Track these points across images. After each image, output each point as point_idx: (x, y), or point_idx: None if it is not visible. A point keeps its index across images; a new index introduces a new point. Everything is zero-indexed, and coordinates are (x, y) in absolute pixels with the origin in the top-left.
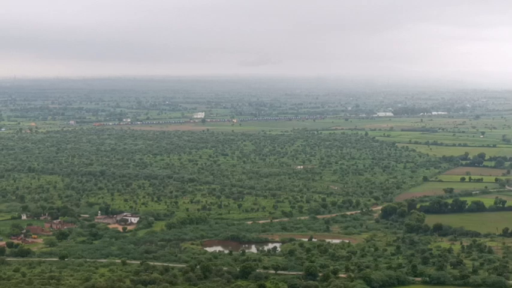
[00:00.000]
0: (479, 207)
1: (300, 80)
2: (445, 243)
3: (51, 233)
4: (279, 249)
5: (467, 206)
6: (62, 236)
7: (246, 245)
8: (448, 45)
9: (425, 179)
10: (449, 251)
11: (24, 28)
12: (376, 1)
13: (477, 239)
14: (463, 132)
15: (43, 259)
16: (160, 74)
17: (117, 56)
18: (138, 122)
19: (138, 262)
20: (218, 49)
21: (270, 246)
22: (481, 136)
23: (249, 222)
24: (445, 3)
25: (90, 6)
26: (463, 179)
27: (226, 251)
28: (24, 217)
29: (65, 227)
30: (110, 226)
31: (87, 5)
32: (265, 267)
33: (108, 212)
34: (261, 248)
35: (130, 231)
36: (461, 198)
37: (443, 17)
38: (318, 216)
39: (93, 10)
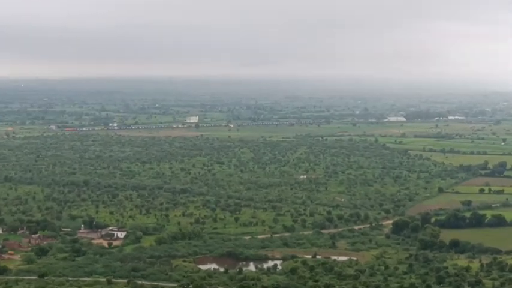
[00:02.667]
0: (500, 222)
1: (302, 82)
2: (462, 260)
3: (29, 248)
4: (279, 267)
5: (486, 220)
6: (42, 252)
7: (244, 263)
8: (463, 44)
9: (440, 190)
10: (467, 269)
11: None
12: None
13: (498, 256)
14: (483, 138)
15: (20, 277)
16: (150, 74)
17: (102, 56)
18: (119, 127)
19: (125, 281)
20: (214, 48)
21: (270, 263)
22: (502, 143)
23: (247, 238)
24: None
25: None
26: (482, 191)
27: (222, 269)
28: None
29: (45, 242)
30: (94, 241)
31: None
32: (264, 287)
33: (92, 225)
34: (260, 266)
35: (117, 247)
36: (480, 212)
37: (456, 14)
38: (323, 231)
39: (77, 5)
